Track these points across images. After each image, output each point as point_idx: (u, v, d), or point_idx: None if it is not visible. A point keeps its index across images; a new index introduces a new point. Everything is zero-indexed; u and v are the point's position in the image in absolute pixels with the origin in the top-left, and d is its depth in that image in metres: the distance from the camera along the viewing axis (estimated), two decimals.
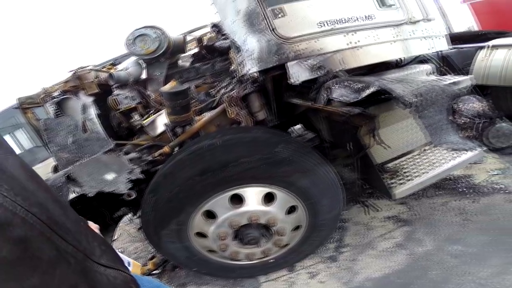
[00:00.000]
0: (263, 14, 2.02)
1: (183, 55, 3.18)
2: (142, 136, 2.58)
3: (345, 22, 2.04)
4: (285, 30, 2.02)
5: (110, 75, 2.46)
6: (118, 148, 2.33)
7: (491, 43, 3.35)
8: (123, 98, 2.56)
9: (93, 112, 2.43)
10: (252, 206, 1.81)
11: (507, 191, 2.30)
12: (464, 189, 2.41)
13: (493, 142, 1.24)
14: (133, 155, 2.28)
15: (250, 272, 2.29)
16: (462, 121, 1.32)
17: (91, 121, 2.41)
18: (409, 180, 1.78)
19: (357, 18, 2.06)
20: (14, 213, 0.46)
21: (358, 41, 2.06)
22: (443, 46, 2.36)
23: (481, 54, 3.31)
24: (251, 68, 2.06)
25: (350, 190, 2.36)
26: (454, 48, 3.67)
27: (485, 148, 1.29)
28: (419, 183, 1.76)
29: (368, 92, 1.46)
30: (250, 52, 2.04)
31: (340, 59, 2.07)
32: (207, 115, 2.40)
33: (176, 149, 2.34)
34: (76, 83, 2.54)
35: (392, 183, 1.79)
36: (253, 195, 1.81)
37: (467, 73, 3.34)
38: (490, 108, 1.29)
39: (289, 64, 2.05)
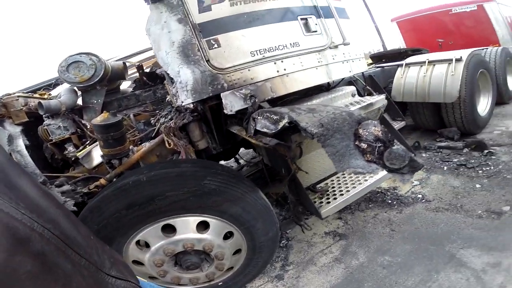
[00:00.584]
0: (198, 45, 2.10)
1: (124, 81, 3.13)
2: (78, 168, 2.46)
3: (274, 50, 2.21)
4: (220, 61, 2.12)
5: (40, 104, 2.33)
6: (50, 181, 2.19)
7: (406, 61, 3.82)
8: (55, 128, 2.43)
9: (21, 143, 2.28)
10: (186, 235, 1.82)
11: (426, 200, 2.59)
12: (391, 201, 2.68)
13: (388, 165, 1.38)
14: (66, 187, 2.16)
15: None
16: (364, 146, 1.44)
17: (20, 153, 2.25)
18: (334, 199, 1.93)
19: (285, 46, 2.24)
20: (32, 229, 0.49)
21: (285, 69, 2.24)
22: (362, 68, 2.68)
23: (398, 72, 3.77)
24: (185, 99, 2.09)
25: (291, 211, 2.48)
26: (379, 67, 4.13)
27: (384, 170, 1.45)
28: (343, 202, 1.92)
29: (282, 124, 1.57)
30: (184, 84, 2.09)
31: (270, 87, 2.22)
32: (146, 145, 2.37)
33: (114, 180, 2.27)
34: (2, 112, 2.37)
35: (321, 203, 1.92)
36: (186, 224, 1.83)
37: (390, 91, 3.77)
38: (384, 133, 1.43)
39: (223, 94, 2.14)
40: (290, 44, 2.26)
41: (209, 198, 1.72)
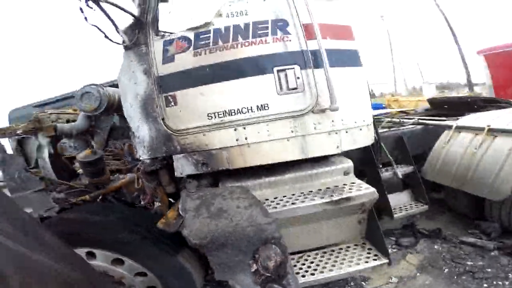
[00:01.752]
0: (157, 101, 2.00)
1: None
2: (81, 179, 2.89)
3: (236, 114, 1.91)
4: (174, 121, 1.99)
5: (54, 128, 2.74)
6: (52, 187, 2.67)
7: (459, 122, 2.72)
8: (68, 146, 2.84)
9: (46, 152, 2.80)
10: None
11: None
12: None
13: None
14: (60, 195, 2.59)
15: None
16: (256, 268, 1.29)
17: (43, 160, 2.79)
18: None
19: (250, 109, 1.91)
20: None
21: (247, 138, 1.93)
22: (361, 141, 2.06)
23: (443, 137, 2.73)
24: (141, 154, 2.08)
25: None
26: (421, 123, 3.06)
27: None
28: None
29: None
30: (141, 140, 2.05)
31: (227, 157, 1.97)
32: (127, 177, 2.56)
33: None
34: (36, 125, 2.90)
35: None
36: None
37: (423, 160, 2.81)
38: (280, 264, 1.25)
39: (175, 156, 2.02)
40: (257, 107, 1.90)
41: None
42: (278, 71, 1.90)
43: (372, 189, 1.87)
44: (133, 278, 1.97)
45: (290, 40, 1.93)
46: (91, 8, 1.61)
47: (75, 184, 2.75)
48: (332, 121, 1.95)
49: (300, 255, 2.10)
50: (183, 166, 2.02)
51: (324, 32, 1.94)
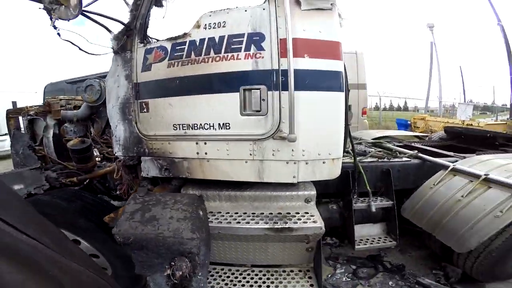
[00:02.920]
0: (133, 105, 2.15)
1: None
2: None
3: (198, 129, 1.98)
4: (145, 127, 2.13)
5: (60, 112, 3.04)
6: (47, 166, 2.98)
7: (457, 164, 2.54)
8: (69, 130, 3.13)
9: (51, 132, 3.13)
10: None
11: None
12: None
13: None
14: (52, 174, 2.89)
15: None
16: (169, 272, 1.47)
17: (48, 139, 3.14)
18: None
19: (212, 125, 1.95)
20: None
21: (206, 153, 2.00)
22: (319, 175, 1.98)
23: (434, 178, 2.57)
24: (117, 152, 2.26)
25: None
26: (420, 157, 2.89)
27: None
28: None
29: None
30: (117, 138, 2.23)
31: (187, 167, 2.08)
32: (111, 166, 2.79)
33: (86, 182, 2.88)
34: (46, 109, 3.23)
35: None
36: None
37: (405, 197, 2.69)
38: (185, 277, 1.48)
39: (143, 158, 2.18)
40: (219, 124, 1.94)
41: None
42: (244, 90, 1.86)
43: (319, 225, 1.86)
44: None
45: (262, 57, 1.85)
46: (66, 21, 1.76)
47: (69, 165, 3.04)
48: (292, 150, 1.89)
49: (244, 268, 2.18)
50: (149, 168, 2.18)
51: (303, 49, 1.81)
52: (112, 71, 2.24)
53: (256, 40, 1.87)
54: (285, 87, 1.78)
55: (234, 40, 1.89)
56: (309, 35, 1.85)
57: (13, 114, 3.32)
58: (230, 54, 1.89)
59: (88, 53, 2.14)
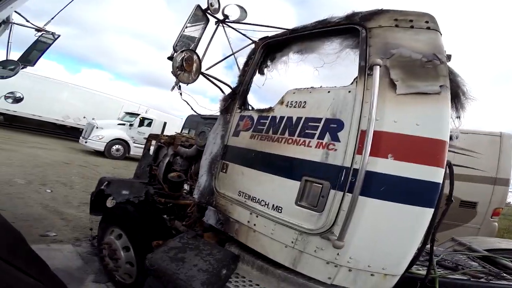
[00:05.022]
0: (218, 163, 2.62)
1: None
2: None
3: (255, 202, 2.19)
4: (219, 184, 2.54)
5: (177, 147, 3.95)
6: (152, 183, 3.80)
7: None
8: (178, 163, 3.97)
9: (166, 160, 4.07)
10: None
11: None
12: None
13: None
14: (151, 191, 3.64)
15: None
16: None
17: (162, 163, 4.07)
18: None
19: (266, 203, 2.11)
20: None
21: (255, 225, 2.17)
22: (367, 286, 1.74)
23: None
24: (195, 194, 2.75)
25: None
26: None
27: None
28: None
29: None
30: (199, 184, 2.73)
31: (236, 229, 2.30)
32: (190, 201, 3.35)
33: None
34: (171, 141, 4.25)
35: None
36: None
37: None
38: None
39: (209, 207, 2.57)
40: (273, 205, 2.09)
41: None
42: (306, 180, 1.85)
43: None
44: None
45: (335, 150, 1.73)
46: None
47: (165, 188, 3.80)
48: (338, 254, 1.76)
49: None
50: (210, 217, 2.53)
51: (388, 147, 1.54)
52: (214, 128, 2.78)
53: (332, 128, 1.78)
54: (351, 190, 1.60)
55: (309, 124, 1.88)
56: (401, 128, 1.56)
57: (150, 138, 4.49)
58: (302, 139, 1.92)
59: (197, 113, 2.79)
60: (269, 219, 2.09)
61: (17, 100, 4.88)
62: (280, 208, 2.05)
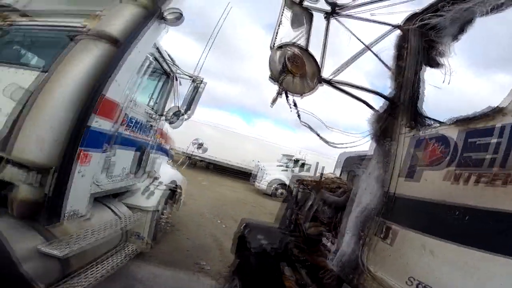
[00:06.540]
0: (374, 223, 1.66)
1: None
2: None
3: None
4: (373, 257, 1.61)
5: (322, 193, 3.20)
6: (290, 230, 3.21)
7: None
8: (323, 212, 3.17)
9: (309, 204, 3.42)
10: None
11: None
12: None
13: None
14: (287, 240, 2.96)
15: None
16: None
17: (303, 207, 3.43)
18: None
19: None
20: None
21: None
22: None
23: None
24: (330, 263, 1.88)
25: None
26: None
27: None
28: None
29: None
30: (340, 248, 1.83)
31: None
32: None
33: None
34: (317, 185, 3.58)
35: None
36: None
37: None
38: None
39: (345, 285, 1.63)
40: None
41: None
42: None
43: None
44: None
45: None
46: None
47: (298, 235, 3.07)
48: None
49: None
50: None
51: None
52: (369, 167, 1.82)
53: None
54: None
55: None
56: None
57: (296, 182, 4.02)
58: None
59: (326, 142, 1.88)
60: None
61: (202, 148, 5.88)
62: None
